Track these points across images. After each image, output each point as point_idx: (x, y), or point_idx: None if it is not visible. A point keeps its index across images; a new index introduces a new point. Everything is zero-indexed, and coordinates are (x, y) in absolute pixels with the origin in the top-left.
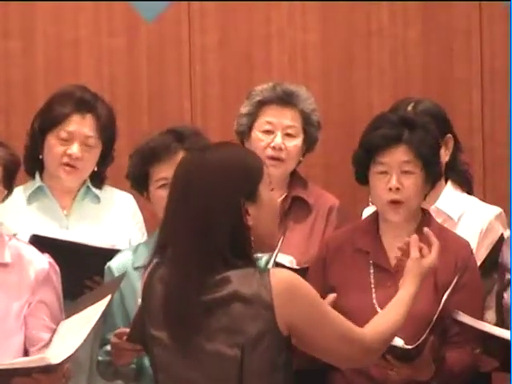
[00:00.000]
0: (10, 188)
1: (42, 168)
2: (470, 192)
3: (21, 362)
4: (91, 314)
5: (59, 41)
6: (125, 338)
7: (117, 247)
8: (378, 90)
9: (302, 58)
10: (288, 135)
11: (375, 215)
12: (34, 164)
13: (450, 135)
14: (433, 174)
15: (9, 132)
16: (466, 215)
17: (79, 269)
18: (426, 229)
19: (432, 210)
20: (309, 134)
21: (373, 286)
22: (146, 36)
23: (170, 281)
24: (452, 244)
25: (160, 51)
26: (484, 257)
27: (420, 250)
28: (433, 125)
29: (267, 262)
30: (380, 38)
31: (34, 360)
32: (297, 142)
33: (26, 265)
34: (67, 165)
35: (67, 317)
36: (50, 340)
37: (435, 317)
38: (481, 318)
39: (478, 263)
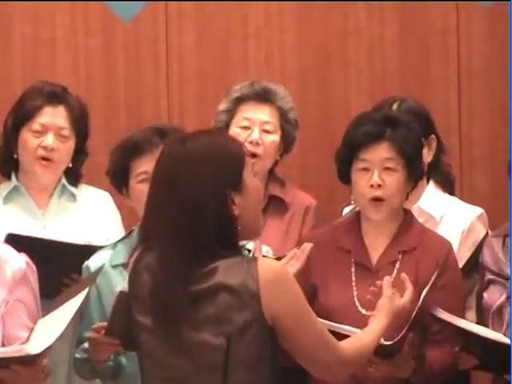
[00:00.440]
0: None
1: (17, 168)
2: (451, 193)
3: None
4: (68, 309)
5: (36, 40)
6: (103, 332)
7: (93, 243)
8: (355, 89)
9: (279, 57)
10: (265, 131)
11: (358, 214)
12: (9, 164)
13: (433, 136)
14: (415, 173)
15: None
16: (448, 215)
17: (56, 267)
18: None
19: (414, 209)
20: (286, 132)
21: (354, 284)
22: (123, 35)
23: (158, 273)
24: (433, 243)
25: (137, 50)
26: (467, 257)
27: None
28: (416, 124)
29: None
30: (357, 37)
31: (12, 350)
32: (274, 138)
33: (3, 264)
34: (43, 158)
35: (44, 315)
36: (28, 338)
37: (414, 313)
38: (462, 317)
39: (460, 263)
